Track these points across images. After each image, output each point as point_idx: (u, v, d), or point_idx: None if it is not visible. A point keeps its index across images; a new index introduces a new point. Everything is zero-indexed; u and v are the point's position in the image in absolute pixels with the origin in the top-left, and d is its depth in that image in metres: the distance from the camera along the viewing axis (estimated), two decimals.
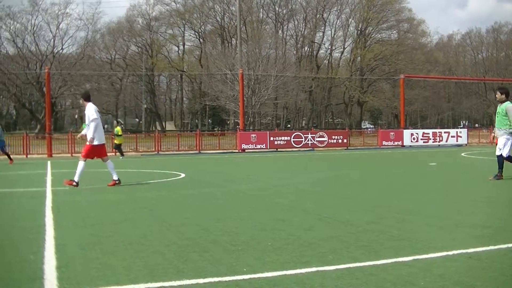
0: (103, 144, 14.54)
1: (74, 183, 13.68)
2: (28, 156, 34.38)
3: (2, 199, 12.23)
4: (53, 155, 34.45)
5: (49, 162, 26.24)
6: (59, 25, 72.30)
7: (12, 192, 13.65)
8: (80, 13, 75.06)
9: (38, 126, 67.67)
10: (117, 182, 14.25)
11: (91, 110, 14.09)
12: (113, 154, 31.80)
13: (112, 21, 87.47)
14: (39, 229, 7.75)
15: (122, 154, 31.95)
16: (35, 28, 71.27)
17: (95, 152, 14.31)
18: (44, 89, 52.58)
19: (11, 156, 27.42)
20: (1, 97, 78.41)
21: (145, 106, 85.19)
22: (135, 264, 5.68)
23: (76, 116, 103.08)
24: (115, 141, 32.20)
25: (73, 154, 34.63)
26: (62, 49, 73.49)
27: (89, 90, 15.79)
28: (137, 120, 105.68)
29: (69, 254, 6.18)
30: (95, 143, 14.08)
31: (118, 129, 32.32)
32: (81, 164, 13.94)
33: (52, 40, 72.32)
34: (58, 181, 14.73)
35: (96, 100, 71.62)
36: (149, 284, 4.88)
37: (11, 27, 71.23)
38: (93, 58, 79.15)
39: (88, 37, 74.97)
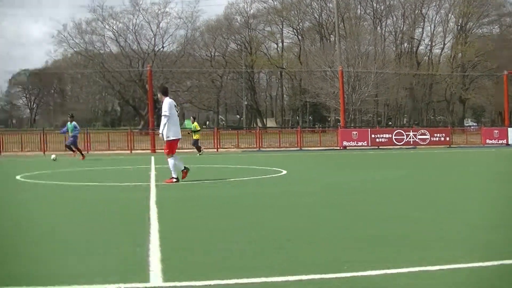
0: (178, 139, 14.49)
1: (174, 179, 13.87)
2: (133, 151, 35.29)
3: (109, 192, 12.61)
4: (156, 150, 35.22)
5: (152, 158, 26.84)
6: (159, 24, 73.92)
7: (119, 186, 14.06)
8: (179, 11, 76.34)
9: (142, 122, 69.32)
10: (175, 180, 13.87)
11: (165, 106, 14.03)
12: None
13: (210, 19, 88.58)
14: (144, 222, 7.94)
15: (199, 150, 31.94)
16: (136, 27, 73.17)
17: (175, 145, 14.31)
18: (147, 86, 53.83)
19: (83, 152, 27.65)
20: (106, 94, 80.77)
21: (245, 103, 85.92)
22: (234, 257, 5.75)
23: (178, 113, 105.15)
24: (193, 137, 32.30)
25: None
26: (162, 47, 75.11)
27: (167, 86, 15.68)
28: (238, 116, 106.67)
29: (173, 247, 6.31)
30: (172, 137, 14.10)
31: (195, 125, 32.45)
32: (170, 161, 14.02)
33: (153, 38, 74.05)
34: (162, 176, 15.04)
35: (197, 97, 72.98)
36: (249, 279, 4.90)
37: (114, 27, 73.39)
38: (193, 56, 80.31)
39: (188, 35, 76.24)
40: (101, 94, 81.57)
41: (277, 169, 18.49)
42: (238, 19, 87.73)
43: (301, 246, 6.31)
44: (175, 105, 14.44)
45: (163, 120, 14.00)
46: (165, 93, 14.56)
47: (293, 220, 8.17)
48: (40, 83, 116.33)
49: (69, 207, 10.04)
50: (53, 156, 25.28)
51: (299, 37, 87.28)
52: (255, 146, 38.47)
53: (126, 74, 69.17)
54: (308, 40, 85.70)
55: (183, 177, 14.13)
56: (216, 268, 5.35)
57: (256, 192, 12.23)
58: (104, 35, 73.92)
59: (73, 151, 26.60)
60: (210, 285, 4.79)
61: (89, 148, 35.98)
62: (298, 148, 37.93)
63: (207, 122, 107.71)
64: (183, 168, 14.17)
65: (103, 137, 40.55)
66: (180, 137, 14.53)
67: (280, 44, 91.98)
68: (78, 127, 27.03)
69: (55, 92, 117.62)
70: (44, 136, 36.06)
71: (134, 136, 39.23)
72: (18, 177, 16.44)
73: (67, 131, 26.60)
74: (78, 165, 22.20)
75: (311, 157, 28.89)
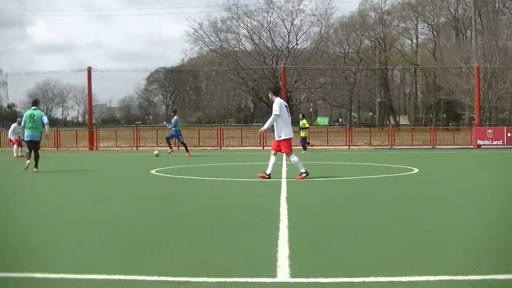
0: (290, 138, 14.54)
1: (304, 174, 13.94)
2: (265, 147, 35.69)
3: (242, 187, 12.82)
4: None
5: (284, 154, 27.00)
6: (293, 21, 74.11)
7: (251, 181, 14.27)
8: (313, 9, 76.01)
9: None
10: (305, 174, 14.00)
11: (275, 105, 14.07)
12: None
13: (344, 15, 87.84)
14: (274, 218, 8.02)
15: (304, 148, 31.44)
16: (270, 25, 73.73)
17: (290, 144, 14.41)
18: (280, 83, 54.26)
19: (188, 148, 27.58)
20: (240, 91, 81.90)
21: (379, 100, 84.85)
22: (366, 256, 5.69)
23: (311, 110, 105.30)
24: (301, 134, 31.89)
25: (308, 147, 35.42)
26: (296, 44, 75.29)
27: (279, 86, 15.74)
28: (371, 114, 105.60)
29: (301, 243, 6.34)
30: (284, 137, 14.18)
31: (304, 122, 32.11)
32: (294, 158, 14.25)
33: (287, 36, 74.35)
34: (293, 172, 15.11)
35: (330, 94, 72.71)
36: (379, 278, 4.85)
37: (249, 25, 74.31)
38: (327, 53, 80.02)
39: (322, 32, 75.99)
40: (235, 91, 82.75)
41: (408, 167, 18.15)
42: (372, 16, 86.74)
43: (444, 246, 6.17)
44: (285, 105, 14.46)
45: (272, 119, 14.16)
46: (276, 93, 14.59)
47: (428, 218, 8.01)
48: (176, 81, 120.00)
49: (204, 201, 10.29)
50: (155, 152, 25.92)
51: (434, 33, 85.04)
52: (387, 143, 37.93)
53: (260, 71, 69.92)
54: (443, 36, 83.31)
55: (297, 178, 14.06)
56: (343, 266, 5.33)
57: (384, 191, 12.07)
58: (239, 33, 75.16)
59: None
60: (335, 282, 4.78)
61: (222, 144, 36.75)
62: (431, 146, 37.02)
63: (340, 119, 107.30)
64: (304, 171, 14.11)
65: (236, 133, 41.29)
66: (292, 136, 14.65)
67: (414, 40, 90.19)
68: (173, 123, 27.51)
69: (190, 89, 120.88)
70: None
71: (266, 132, 39.59)
72: (152, 172, 17.06)
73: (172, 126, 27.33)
74: (209, 161, 22.72)
75: (444, 155, 28.14)
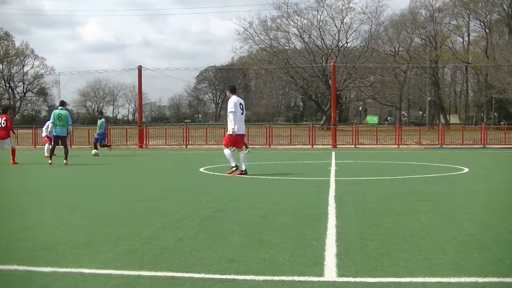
0: (242, 135, 15.89)
1: (234, 169, 15.25)
2: (314, 146, 35.65)
3: (290, 186, 12.82)
4: (337, 146, 35.32)
5: (333, 153, 26.96)
6: (343, 19, 73.77)
7: (299, 180, 14.26)
8: (363, 7, 75.64)
9: (324, 118, 69.70)
10: (243, 172, 15.20)
11: (231, 103, 15.40)
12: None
13: (395, 13, 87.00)
14: (322, 217, 8.01)
15: None
16: (320, 23, 73.55)
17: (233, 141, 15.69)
18: (330, 81, 54.01)
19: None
20: (289, 89, 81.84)
21: (429, 98, 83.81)
22: (414, 257, 5.63)
23: (360, 108, 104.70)
24: None
25: (357, 145, 35.25)
26: (346, 42, 75.00)
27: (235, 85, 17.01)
28: (420, 112, 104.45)
29: (349, 242, 6.31)
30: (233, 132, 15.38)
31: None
32: (226, 151, 15.54)
33: (337, 34, 74.11)
34: (342, 172, 15.07)
35: (380, 93, 72.24)
36: (427, 279, 4.81)
37: (298, 23, 74.24)
38: (377, 51, 79.47)
39: (372, 31, 75.52)
40: (284, 90, 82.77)
41: (458, 166, 17.91)
42: (423, 13, 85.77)
43: (496, 248, 6.07)
44: (240, 104, 15.60)
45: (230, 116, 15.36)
46: (233, 92, 15.87)
47: (478, 219, 7.90)
48: (225, 79, 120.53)
49: (252, 200, 10.33)
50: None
51: (486, 30, 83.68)
52: (437, 142, 37.50)
53: (309, 69, 69.79)
54: (496, 33, 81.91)
55: (228, 172, 15.28)
56: (391, 266, 5.28)
57: (433, 190, 11.91)
58: (288, 32, 75.14)
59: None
60: (382, 282, 4.75)
61: (271, 142, 36.78)
62: (482, 146, 36.47)
63: (389, 118, 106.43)
64: (244, 169, 15.30)
65: (285, 132, 41.34)
66: (243, 133, 16.00)
67: (466, 38, 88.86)
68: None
69: (239, 88, 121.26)
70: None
71: (316, 131, 39.56)
72: (201, 170, 17.19)
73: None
74: (257, 159, 22.77)
75: (495, 155, 27.70)
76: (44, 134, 27.19)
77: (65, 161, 19.76)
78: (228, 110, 15.48)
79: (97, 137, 27.06)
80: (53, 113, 20.72)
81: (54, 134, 20.58)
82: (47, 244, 6.41)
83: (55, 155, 21.08)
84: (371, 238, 6.56)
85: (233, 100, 15.41)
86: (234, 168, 15.17)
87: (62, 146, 20.43)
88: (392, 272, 5.03)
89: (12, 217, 8.50)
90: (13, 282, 4.92)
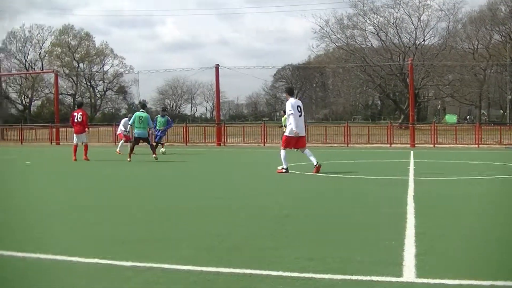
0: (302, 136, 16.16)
1: (284, 170, 15.24)
2: (392, 145, 35.26)
3: (369, 185, 12.75)
4: (416, 145, 34.85)
5: (411, 152, 26.62)
6: (420, 17, 72.37)
7: (377, 179, 14.16)
8: (440, 4, 73.80)
9: (402, 117, 68.80)
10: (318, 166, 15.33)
11: (288, 105, 15.85)
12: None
13: (473, 10, 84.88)
14: (401, 217, 7.94)
15: None
16: (397, 21, 72.47)
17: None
18: (407, 80, 53.28)
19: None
20: (367, 88, 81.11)
21: (510, 97, 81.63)
22: (496, 260, 5.54)
23: (439, 107, 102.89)
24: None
25: (436, 145, 34.69)
26: (423, 40, 73.61)
27: (292, 87, 17.94)
28: (501, 111, 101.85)
29: (428, 243, 6.24)
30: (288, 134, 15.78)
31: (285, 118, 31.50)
32: (282, 152, 15.60)
33: (414, 32, 72.82)
34: (421, 171, 14.87)
35: (459, 91, 70.78)
36: (508, 282, 4.72)
37: (375, 21, 73.38)
38: (455, 49, 77.82)
39: (450, 28, 73.94)
40: (361, 88, 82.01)
41: None
42: (503, 9, 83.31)
43: None
44: (298, 106, 16.10)
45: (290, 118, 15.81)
46: (291, 94, 16.88)
47: None
48: (302, 77, 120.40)
49: (331, 198, 10.32)
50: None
51: None
52: None
53: (386, 68, 68.96)
54: None
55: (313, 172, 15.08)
56: (471, 268, 5.22)
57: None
58: (365, 30, 74.40)
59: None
60: (462, 284, 4.68)
61: (348, 141, 36.57)
62: None
63: (468, 117, 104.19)
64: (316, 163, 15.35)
65: (363, 131, 41.03)
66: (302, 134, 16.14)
67: None
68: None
69: (317, 86, 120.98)
70: (306, 128, 37.40)
71: (394, 130, 39.12)
72: (279, 167, 17.26)
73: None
74: (335, 157, 22.70)
75: None
76: (119, 131, 27.73)
77: (154, 155, 20.64)
78: (287, 113, 15.98)
79: (159, 134, 27.07)
80: (134, 115, 21.36)
81: (136, 136, 21.47)
82: (128, 239, 6.58)
83: (134, 153, 21.50)
84: (451, 239, 6.48)
85: (291, 102, 15.88)
86: (284, 170, 15.36)
87: (146, 143, 21.20)
88: (472, 274, 4.96)
89: (85, 213, 8.74)
90: (94, 275, 5.08)
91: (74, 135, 21.47)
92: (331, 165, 18.74)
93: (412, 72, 41.98)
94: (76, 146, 21.38)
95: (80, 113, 21.39)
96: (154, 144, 23.99)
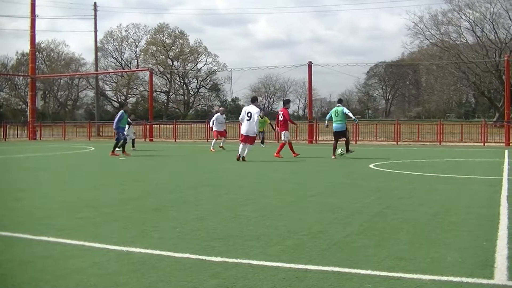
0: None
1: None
2: (486, 144, 34.41)
3: (461, 184, 12.51)
4: (510, 144, 33.88)
5: (506, 151, 25.91)
6: None
7: (470, 178, 13.89)
8: None
9: (497, 115, 67.04)
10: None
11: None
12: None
13: None
14: (494, 217, 7.80)
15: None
16: (493, 16, 70.54)
17: None
18: (503, 77, 51.83)
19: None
20: (461, 85, 79.33)
21: None
22: None
23: None
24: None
25: None
26: None
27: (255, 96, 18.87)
28: None
29: None
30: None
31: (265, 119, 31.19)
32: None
33: (511, 27, 70.89)
34: None
35: None
36: None
37: (470, 17, 71.68)
38: None
39: None
40: (455, 85, 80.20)
41: None
42: None
43: None
44: (249, 112, 19.71)
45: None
46: (252, 102, 20.34)
47: None
48: (396, 75, 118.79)
49: (422, 197, 10.20)
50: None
51: None
52: None
53: (482, 64, 67.33)
54: None
55: None
56: None
57: None
58: (460, 26, 72.81)
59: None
60: None
61: (441, 139, 35.91)
62: None
63: None
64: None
65: (456, 129, 40.23)
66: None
67: None
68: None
69: (410, 83, 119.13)
70: (398, 126, 37.02)
71: (488, 128, 38.14)
72: (371, 166, 17.17)
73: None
74: (427, 156, 22.37)
75: None
76: (213, 126, 27.65)
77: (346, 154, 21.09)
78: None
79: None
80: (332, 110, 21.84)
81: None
82: (219, 235, 6.72)
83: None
84: None
85: (243, 108, 20.28)
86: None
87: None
88: None
89: (188, 207, 8.95)
90: (184, 270, 5.21)
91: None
92: (423, 164, 18.51)
93: (509, 69, 40.77)
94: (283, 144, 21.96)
95: (282, 111, 21.88)
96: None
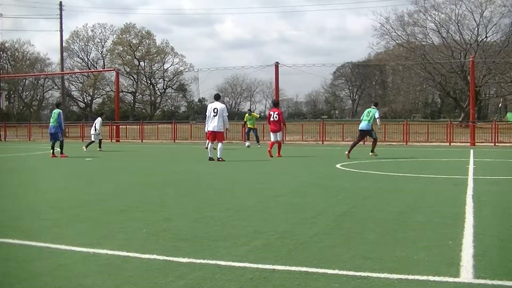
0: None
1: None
2: (451, 144, 34.77)
3: (427, 184, 12.61)
4: (476, 144, 34.28)
5: (471, 151, 26.20)
6: (483, 13, 71.05)
7: (436, 178, 14.00)
8: None
9: (462, 115, 67.81)
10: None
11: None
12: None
13: None
14: (459, 216, 7.86)
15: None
16: (459, 18, 71.32)
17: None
18: (468, 78, 52.42)
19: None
20: (427, 86, 79.97)
21: None
22: None
23: (500, 105, 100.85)
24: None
25: (496, 144, 34.05)
26: (486, 37, 72.21)
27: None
28: None
29: (487, 244, 6.17)
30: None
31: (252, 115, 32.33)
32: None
33: (476, 28, 71.55)
34: (481, 170, 14.65)
35: None
36: None
37: (436, 18, 72.40)
38: None
39: None
40: (421, 86, 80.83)
41: None
42: None
43: None
44: (215, 108, 19.48)
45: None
46: (216, 99, 20.00)
47: None
48: (362, 75, 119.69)
49: (388, 197, 10.25)
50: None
51: None
52: None
53: (447, 65, 67.98)
54: None
55: None
56: None
57: None
58: (426, 27, 73.45)
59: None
60: None
61: (407, 139, 36.21)
62: None
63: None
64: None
65: (422, 129, 40.60)
66: (209, 129, 19.73)
67: None
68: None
69: (376, 84, 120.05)
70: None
71: (454, 128, 38.54)
72: (337, 166, 17.25)
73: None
74: (394, 156, 22.52)
75: None
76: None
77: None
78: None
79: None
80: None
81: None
82: (186, 235, 6.68)
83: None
84: (510, 240, 6.39)
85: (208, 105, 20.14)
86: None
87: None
88: None
89: (154, 208, 8.89)
90: (151, 271, 5.18)
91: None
92: (390, 164, 18.63)
93: (474, 70, 41.29)
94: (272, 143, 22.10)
95: (277, 112, 21.99)
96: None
